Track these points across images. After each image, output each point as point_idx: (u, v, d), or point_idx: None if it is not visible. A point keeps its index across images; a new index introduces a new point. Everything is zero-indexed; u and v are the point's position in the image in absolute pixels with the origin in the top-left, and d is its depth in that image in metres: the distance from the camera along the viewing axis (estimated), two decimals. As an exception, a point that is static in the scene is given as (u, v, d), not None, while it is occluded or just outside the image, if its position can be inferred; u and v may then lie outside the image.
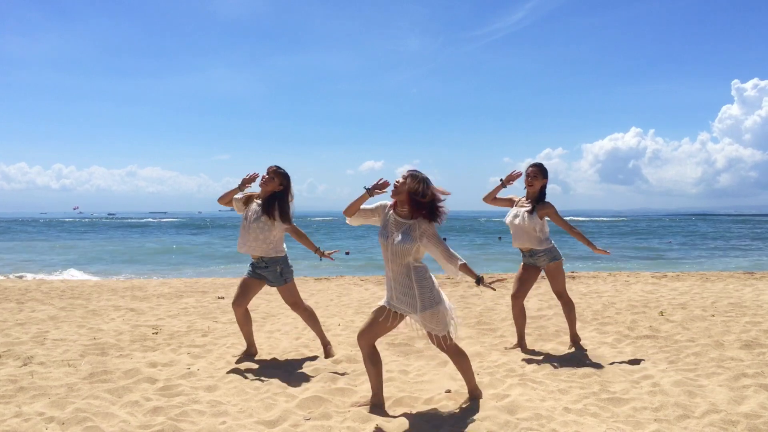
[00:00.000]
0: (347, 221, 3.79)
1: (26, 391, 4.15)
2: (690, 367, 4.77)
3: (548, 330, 6.33)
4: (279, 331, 6.38)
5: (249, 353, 5.27)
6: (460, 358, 3.81)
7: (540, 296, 8.98)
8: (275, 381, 4.45)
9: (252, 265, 5.07)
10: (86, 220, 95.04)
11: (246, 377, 4.58)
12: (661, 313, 7.21)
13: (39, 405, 3.86)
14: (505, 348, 5.53)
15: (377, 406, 3.78)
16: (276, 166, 4.98)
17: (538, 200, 5.30)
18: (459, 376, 4.57)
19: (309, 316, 5.25)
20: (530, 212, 5.25)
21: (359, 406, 3.83)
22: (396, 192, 3.57)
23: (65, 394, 4.08)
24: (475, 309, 7.79)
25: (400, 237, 3.55)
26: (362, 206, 3.73)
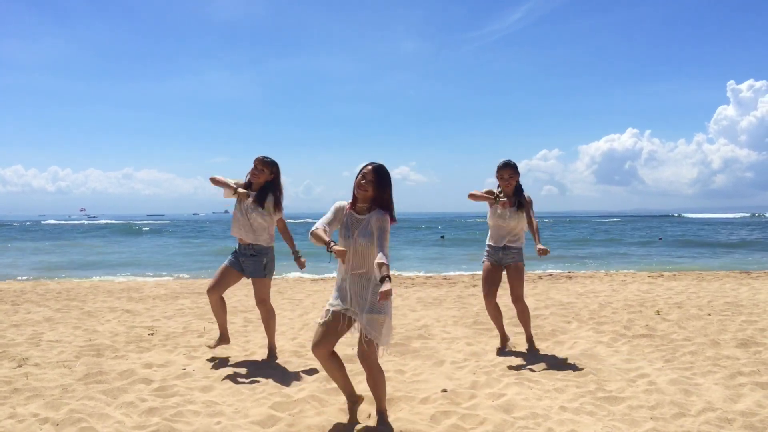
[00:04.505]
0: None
1: (21, 392, 4.13)
2: (686, 365, 4.78)
3: (544, 329, 6.33)
4: (275, 331, 6.35)
5: (223, 342, 5.30)
6: (379, 375, 3.50)
7: (536, 296, 8.99)
8: (271, 381, 4.44)
9: (237, 252, 5.10)
10: (82, 222, 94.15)
11: (241, 377, 4.56)
12: (658, 312, 7.22)
13: (34, 406, 3.84)
14: (506, 350, 5.46)
15: (357, 403, 3.66)
16: (263, 156, 5.04)
17: (518, 195, 5.28)
18: (456, 375, 4.58)
19: (271, 317, 5.24)
20: (518, 208, 5.23)
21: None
22: (363, 192, 3.37)
23: (60, 395, 4.06)
24: (472, 309, 7.79)
25: (359, 233, 3.36)
26: (325, 225, 3.42)
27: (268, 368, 4.84)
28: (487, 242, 5.43)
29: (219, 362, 5.07)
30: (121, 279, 13.63)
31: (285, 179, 5.21)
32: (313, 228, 3.39)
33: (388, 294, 3.01)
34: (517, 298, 5.37)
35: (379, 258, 3.21)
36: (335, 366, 3.52)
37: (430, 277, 12.65)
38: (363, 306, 3.36)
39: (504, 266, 5.36)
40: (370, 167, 3.39)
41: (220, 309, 5.19)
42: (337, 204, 3.52)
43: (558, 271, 14.24)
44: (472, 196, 5.34)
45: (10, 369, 4.77)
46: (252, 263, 5.05)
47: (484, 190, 5.35)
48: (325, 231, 3.38)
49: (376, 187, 3.37)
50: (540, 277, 12.09)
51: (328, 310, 3.45)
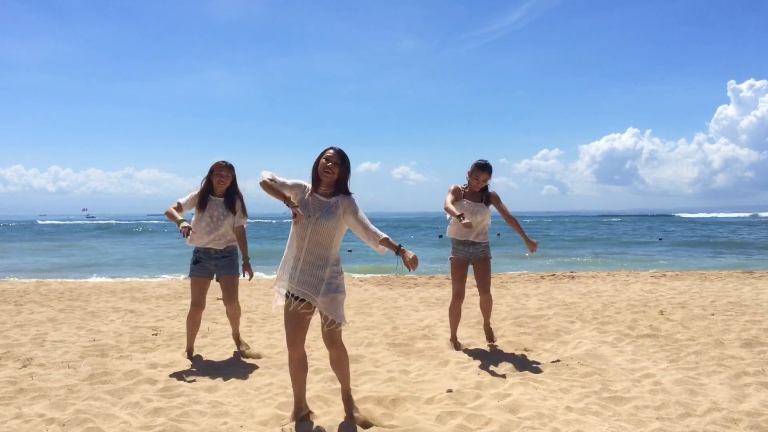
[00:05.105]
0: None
1: (26, 392, 4.13)
2: (691, 365, 4.77)
3: (549, 329, 6.32)
4: (279, 332, 6.36)
5: (191, 355, 5.31)
6: (344, 355, 3.53)
7: (540, 296, 8.98)
8: (276, 381, 4.43)
9: (202, 260, 5.07)
10: (81, 222, 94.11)
11: (247, 378, 4.57)
12: (661, 312, 7.21)
13: (39, 406, 3.85)
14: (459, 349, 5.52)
15: (305, 413, 3.61)
16: (224, 161, 5.05)
17: (485, 191, 5.42)
18: (461, 375, 4.58)
19: (238, 313, 5.34)
20: (486, 204, 5.38)
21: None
22: (330, 175, 3.38)
23: (65, 396, 4.07)
24: (475, 309, 7.77)
25: (322, 214, 3.37)
26: (279, 182, 3.44)
27: (273, 368, 4.84)
28: (454, 237, 5.47)
29: (224, 362, 5.07)
30: (124, 279, 13.64)
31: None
32: (264, 178, 3.38)
33: (415, 260, 3.19)
34: (487, 289, 5.48)
35: (379, 235, 3.30)
36: (304, 369, 3.56)
37: (433, 277, 12.65)
38: (318, 287, 3.36)
39: (471, 261, 5.46)
40: (332, 150, 3.40)
41: (199, 323, 5.27)
42: (300, 180, 3.49)
43: (561, 271, 14.23)
44: (447, 210, 5.26)
45: (15, 369, 4.78)
46: (227, 263, 5.13)
47: (451, 188, 5.41)
48: (280, 183, 3.42)
49: (341, 169, 3.40)
50: (543, 277, 12.08)
51: (289, 294, 3.41)
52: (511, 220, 5.40)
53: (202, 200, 5.03)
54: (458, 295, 5.47)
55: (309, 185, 3.50)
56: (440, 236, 38.00)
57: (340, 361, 3.53)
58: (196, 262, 5.09)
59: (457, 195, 5.39)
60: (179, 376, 4.59)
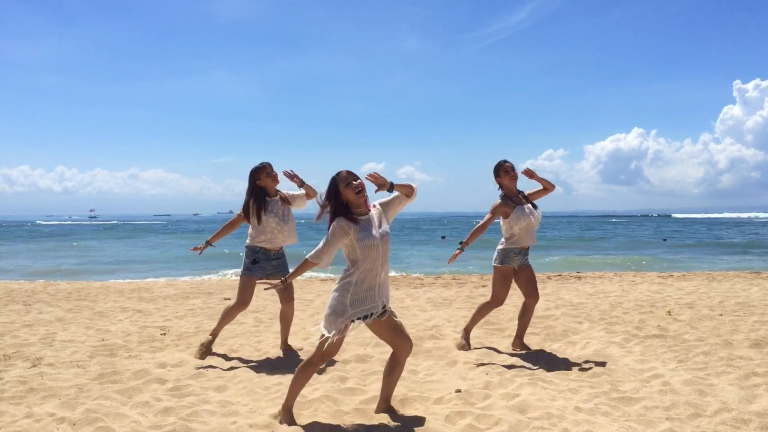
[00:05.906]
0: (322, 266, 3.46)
1: (36, 392, 4.16)
2: (699, 366, 4.76)
3: (556, 330, 6.32)
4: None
5: (210, 352, 5.36)
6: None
7: (546, 296, 8.97)
8: (285, 381, 4.44)
9: (262, 260, 5.08)
10: (85, 222, 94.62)
11: (255, 377, 4.58)
12: (669, 313, 7.19)
13: (50, 406, 3.87)
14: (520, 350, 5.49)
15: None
16: (267, 162, 5.07)
17: (521, 192, 5.33)
18: (469, 375, 4.59)
19: (292, 314, 5.41)
20: (535, 206, 5.30)
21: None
22: (364, 191, 3.43)
23: (75, 395, 4.09)
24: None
25: (382, 229, 3.43)
26: (330, 247, 3.36)
27: (282, 368, 4.86)
28: (513, 246, 5.21)
29: (232, 362, 5.09)
30: (131, 279, 13.69)
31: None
32: (316, 260, 3.36)
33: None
34: (538, 291, 5.43)
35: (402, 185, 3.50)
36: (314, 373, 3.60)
37: (439, 277, 12.64)
38: (387, 293, 3.51)
39: (519, 268, 5.34)
40: (344, 172, 3.42)
41: (232, 320, 5.36)
42: (338, 228, 3.33)
43: (567, 271, 14.21)
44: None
45: (25, 369, 4.80)
46: (284, 263, 5.22)
47: (496, 206, 5.20)
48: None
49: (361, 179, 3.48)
50: (549, 278, 12.06)
51: (350, 322, 3.36)
52: (546, 188, 5.33)
53: (265, 206, 5.01)
54: (500, 303, 5.39)
55: (345, 221, 3.35)
56: (443, 237, 38.01)
57: (408, 351, 3.61)
58: (254, 262, 5.08)
59: (509, 208, 5.16)
60: (188, 375, 4.61)
